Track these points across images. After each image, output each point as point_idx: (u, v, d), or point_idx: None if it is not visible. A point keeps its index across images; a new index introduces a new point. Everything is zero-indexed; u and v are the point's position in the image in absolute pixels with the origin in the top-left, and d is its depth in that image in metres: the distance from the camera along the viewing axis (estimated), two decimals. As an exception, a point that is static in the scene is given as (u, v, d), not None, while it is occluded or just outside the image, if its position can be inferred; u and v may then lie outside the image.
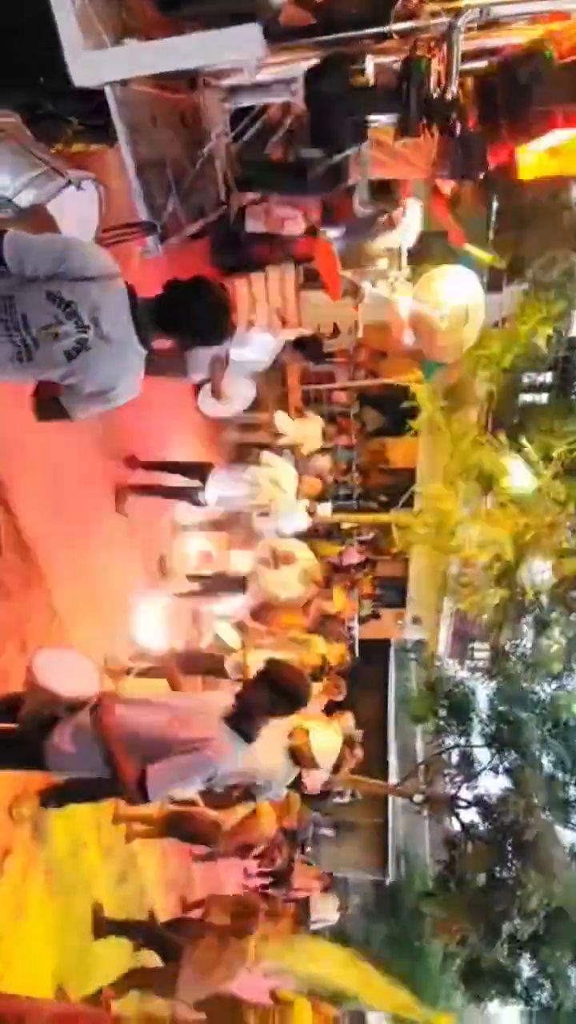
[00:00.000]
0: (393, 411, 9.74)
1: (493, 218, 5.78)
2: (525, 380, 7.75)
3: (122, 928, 3.85)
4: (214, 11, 2.90)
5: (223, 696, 2.27)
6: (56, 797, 3.05)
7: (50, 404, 1.92)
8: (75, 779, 2.67)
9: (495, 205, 5.63)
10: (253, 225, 5.10)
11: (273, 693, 2.10)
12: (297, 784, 4.18)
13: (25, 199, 2.03)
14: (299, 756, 3.13)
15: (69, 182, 2.09)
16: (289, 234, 5.16)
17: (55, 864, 3.44)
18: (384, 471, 10.77)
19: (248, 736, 2.09)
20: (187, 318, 1.85)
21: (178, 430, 5.79)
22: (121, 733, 2.05)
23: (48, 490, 3.72)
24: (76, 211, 2.14)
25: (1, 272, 1.67)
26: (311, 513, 5.55)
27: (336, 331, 7.15)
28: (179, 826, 3.87)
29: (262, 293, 7.37)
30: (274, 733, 2.66)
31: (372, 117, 2.63)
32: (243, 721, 2.09)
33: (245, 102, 3.45)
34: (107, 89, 2.34)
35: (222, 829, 3.92)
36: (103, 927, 3.72)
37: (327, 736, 3.32)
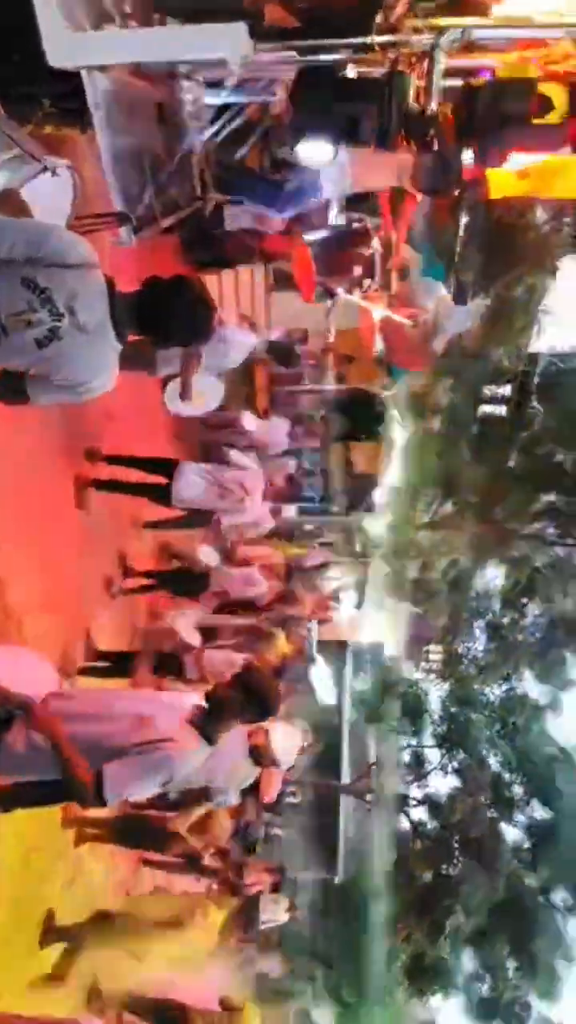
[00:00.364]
0: (359, 416, 9.88)
1: (461, 232, 5.95)
2: (486, 392, 8.00)
3: (69, 935, 3.76)
4: (199, 6, 2.88)
5: (187, 696, 2.24)
6: (3, 801, 2.95)
7: (6, 387, 1.85)
8: (25, 782, 2.59)
9: (464, 220, 5.80)
10: (232, 222, 5.06)
11: (245, 697, 2.08)
12: (254, 791, 4.16)
13: None
14: (260, 755, 3.12)
15: (45, 168, 2.03)
16: (266, 230, 5.14)
17: (4, 870, 3.33)
18: (348, 475, 10.90)
19: (211, 739, 2.08)
20: (167, 317, 1.81)
21: (142, 424, 5.69)
22: (74, 732, 2.00)
23: (6, 483, 3.59)
24: (49, 197, 2.08)
25: None
26: (276, 514, 5.55)
27: (306, 335, 7.19)
28: (130, 830, 3.80)
29: (231, 291, 7.35)
30: (234, 733, 2.65)
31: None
32: (209, 723, 2.07)
33: (224, 100, 3.44)
34: (84, 74, 2.29)
35: (174, 834, 3.87)
36: (52, 935, 3.62)
37: (287, 733, 3.31)
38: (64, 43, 2.14)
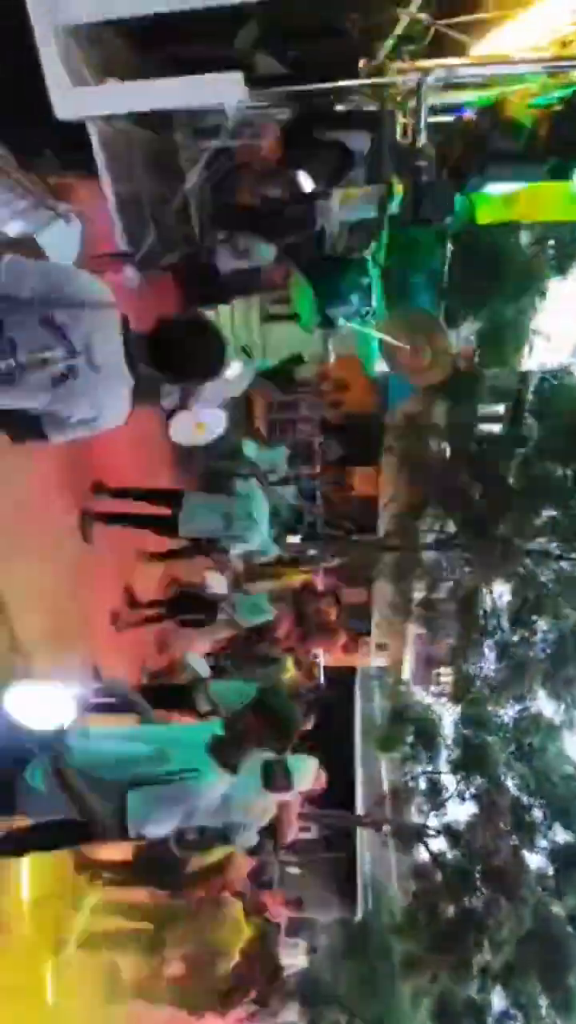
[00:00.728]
0: (356, 440, 9.99)
1: (448, 256, 6.12)
2: (481, 411, 8.11)
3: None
4: (191, 56, 3.04)
5: (206, 726, 2.21)
6: (16, 844, 2.87)
7: (23, 427, 1.88)
8: (41, 824, 2.53)
9: (449, 246, 5.98)
10: (224, 263, 5.21)
11: (265, 723, 2.06)
12: (270, 830, 4.03)
13: (13, 229, 2.03)
14: (274, 779, 3.02)
15: (58, 215, 2.12)
16: (256, 265, 5.29)
17: (14, 919, 3.23)
18: (347, 499, 10.96)
19: (234, 768, 2.04)
20: (183, 356, 1.85)
21: (142, 455, 5.74)
22: (95, 767, 1.97)
23: (10, 517, 3.61)
24: (59, 241, 2.16)
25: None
26: (280, 542, 5.56)
27: (301, 361, 7.32)
28: (150, 869, 3.68)
29: (228, 325, 7.50)
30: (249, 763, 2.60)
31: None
32: (229, 751, 2.04)
33: (216, 143, 3.58)
34: (89, 124, 2.40)
35: (193, 874, 3.75)
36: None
37: (300, 758, 3.23)
38: (71, 97, 2.25)
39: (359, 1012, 12.39)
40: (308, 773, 3.33)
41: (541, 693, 8.05)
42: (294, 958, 8.38)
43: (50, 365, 1.67)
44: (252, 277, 6.20)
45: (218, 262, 5.12)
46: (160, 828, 1.99)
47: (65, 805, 1.94)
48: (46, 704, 2.20)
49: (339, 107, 2.86)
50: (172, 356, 1.85)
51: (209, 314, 6.88)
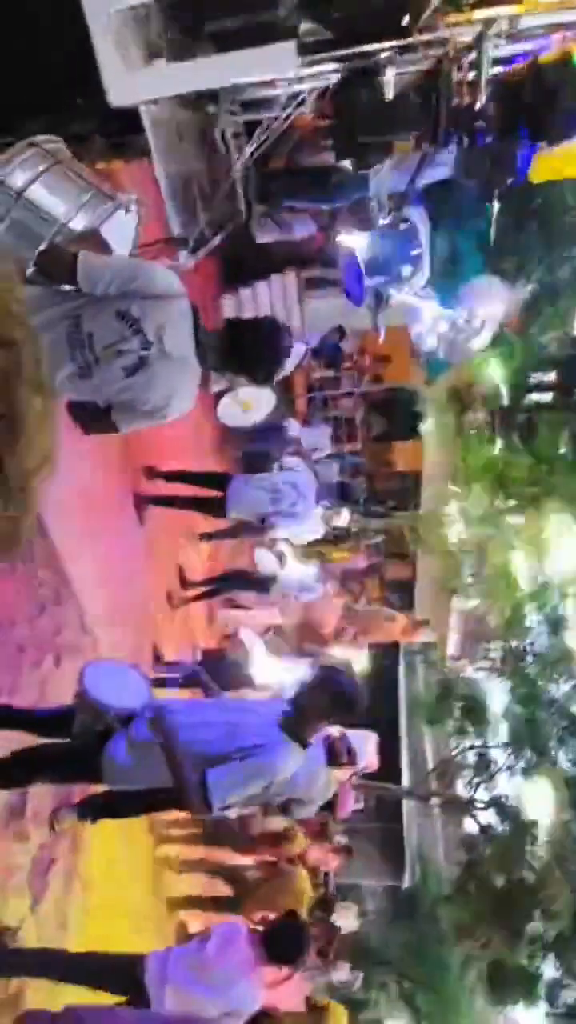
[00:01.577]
0: (399, 415, 9.80)
1: (493, 218, 5.84)
2: (531, 379, 7.80)
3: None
4: (234, 30, 2.96)
5: (275, 702, 2.28)
6: (94, 810, 3.04)
7: (97, 418, 1.94)
8: (121, 793, 2.66)
9: (496, 206, 5.69)
10: (262, 235, 5.15)
11: (331, 698, 2.10)
12: (330, 808, 4.12)
13: (79, 223, 2.06)
14: (335, 752, 3.09)
15: (119, 205, 2.13)
16: (299, 237, 5.20)
17: (91, 879, 3.43)
18: (390, 475, 10.82)
19: (303, 742, 2.10)
20: (251, 357, 1.91)
21: (188, 437, 5.82)
22: (181, 742, 2.05)
23: (72, 503, 3.74)
24: (118, 231, 2.18)
25: (71, 292, 1.70)
26: (329, 520, 5.57)
27: (344, 335, 7.21)
28: (219, 832, 3.83)
29: (266, 301, 7.44)
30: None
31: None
32: (298, 726, 2.10)
33: (259, 115, 3.51)
34: (142, 108, 2.38)
35: (257, 837, 3.88)
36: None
37: (359, 735, 3.28)
38: (125, 82, 2.24)
39: (408, 974, 12.72)
40: (370, 749, 3.38)
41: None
42: (346, 920, 8.64)
43: (124, 356, 1.71)
44: (292, 250, 6.10)
45: (258, 236, 5.07)
46: (242, 800, 2.08)
47: (152, 776, 2.04)
48: (122, 681, 2.30)
49: (388, 68, 2.74)
50: (242, 356, 1.91)
51: (246, 293, 6.85)
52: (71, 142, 2.81)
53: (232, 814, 2.48)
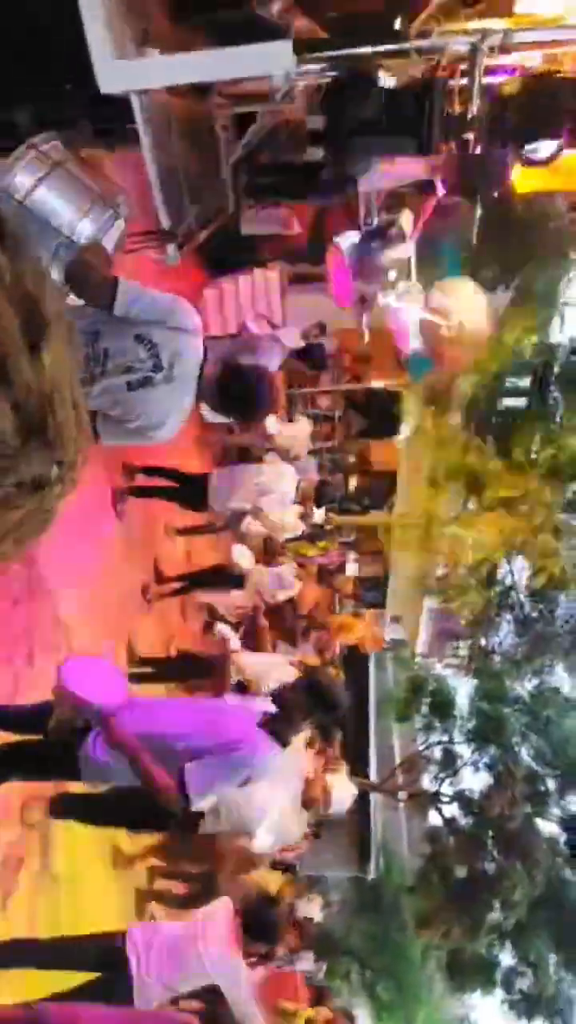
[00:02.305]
0: (376, 414, 9.89)
1: (476, 227, 5.95)
2: (507, 384, 7.98)
3: None
4: (224, 21, 2.93)
5: (256, 701, 2.29)
6: (65, 808, 3.01)
7: None
8: (94, 796, 2.65)
9: (479, 214, 5.79)
10: (248, 228, 5.12)
11: (312, 698, 2.13)
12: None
13: (84, 234, 2.04)
14: (314, 805, 3.02)
15: (115, 212, 2.10)
16: (283, 232, 5.19)
17: (63, 875, 3.41)
18: (367, 473, 10.92)
19: (283, 740, 2.12)
20: (246, 401, 2.09)
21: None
22: (151, 738, 2.05)
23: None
24: (114, 237, 2.16)
25: (99, 311, 1.75)
26: (306, 516, 5.59)
27: (323, 331, 7.23)
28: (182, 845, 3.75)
29: (248, 295, 7.40)
30: (293, 778, 2.67)
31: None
32: (279, 725, 2.12)
33: (248, 110, 3.48)
34: (133, 97, 2.34)
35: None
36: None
37: (344, 785, 3.16)
38: (115, 70, 2.20)
39: (370, 964, 12.98)
40: (349, 796, 3.33)
41: (559, 668, 8.13)
42: (311, 910, 8.75)
43: (131, 372, 1.77)
44: (276, 245, 6.08)
45: (243, 227, 5.03)
46: (220, 793, 2.09)
47: (126, 774, 2.03)
48: (101, 677, 2.29)
49: (383, 72, 2.75)
50: (237, 402, 2.07)
51: (228, 287, 6.80)
52: (59, 127, 2.75)
53: (205, 806, 2.48)
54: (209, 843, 3.94)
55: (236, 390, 2.03)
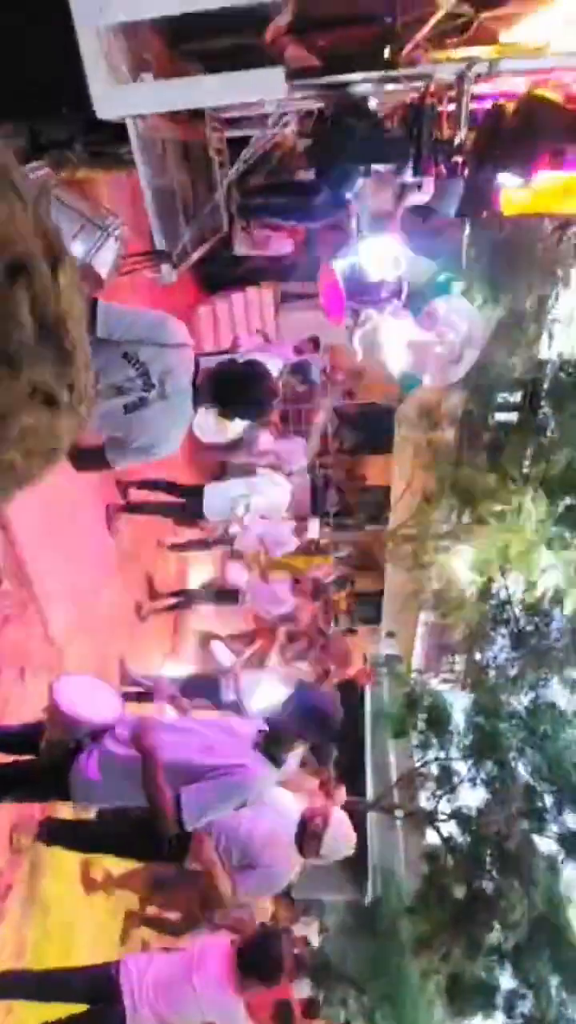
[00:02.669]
0: (370, 430, 9.96)
1: (465, 246, 6.07)
2: (498, 399, 8.07)
3: None
4: (217, 48, 3.01)
5: (249, 722, 2.27)
6: (53, 833, 2.94)
7: (91, 454, 2.00)
8: (87, 822, 2.60)
9: (467, 233, 5.92)
10: (240, 248, 5.20)
11: (306, 719, 2.11)
12: None
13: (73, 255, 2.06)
14: (307, 845, 2.86)
15: (107, 233, 2.14)
16: (275, 253, 5.28)
17: (52, 901, 3.32)
18: (360, 488, 10.95)
19: (277, 761, 2.10)
20: (242, 399, 2.07)
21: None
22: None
23: (41, 514, 3.66)
24: (105, 256, 2.19)
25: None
26: (300, 532, 5.60)
27: (316, 346, 7.32)
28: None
29: (241, 312, 7.48)
30: (287, 821, 2.59)
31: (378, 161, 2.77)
32: (273, 745, 2.09)
33: (243, 133, 3.55)
34: (128, 121, 2.39)
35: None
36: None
37: (344, 833, 2.97)
38: (112, 96, 2.25)
39: (367, 989, 12.68)
40: (346, 844, 3.22)
41: (554, 682, 8.10)
42: (307, 935, 8.55)
43: (125, 395, 1.78)
44: (269, 263, 6.18)
45: (236, 247, 5.12)
46: (215, 818, 2.06)
47: (123, 793, 2.00)
48: (93, 696, 2.26)
49: (373, 99, 2.83)
50: (234, 399, 2.05)
51: (222, 305, 6.86)
52: (53, 148, 2.79)
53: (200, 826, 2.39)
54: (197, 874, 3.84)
55: (236, 386, 2.02)
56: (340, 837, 2.66)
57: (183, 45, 3.01)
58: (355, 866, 13.27)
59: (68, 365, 0.51)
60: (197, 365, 1.99)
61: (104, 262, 2.15)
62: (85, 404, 0.53)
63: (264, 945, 2.46)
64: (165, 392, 1.89)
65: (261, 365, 2.11)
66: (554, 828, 8.62)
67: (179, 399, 1.94)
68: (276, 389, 2.20)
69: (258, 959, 2.41)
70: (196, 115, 3.09)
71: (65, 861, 3.43)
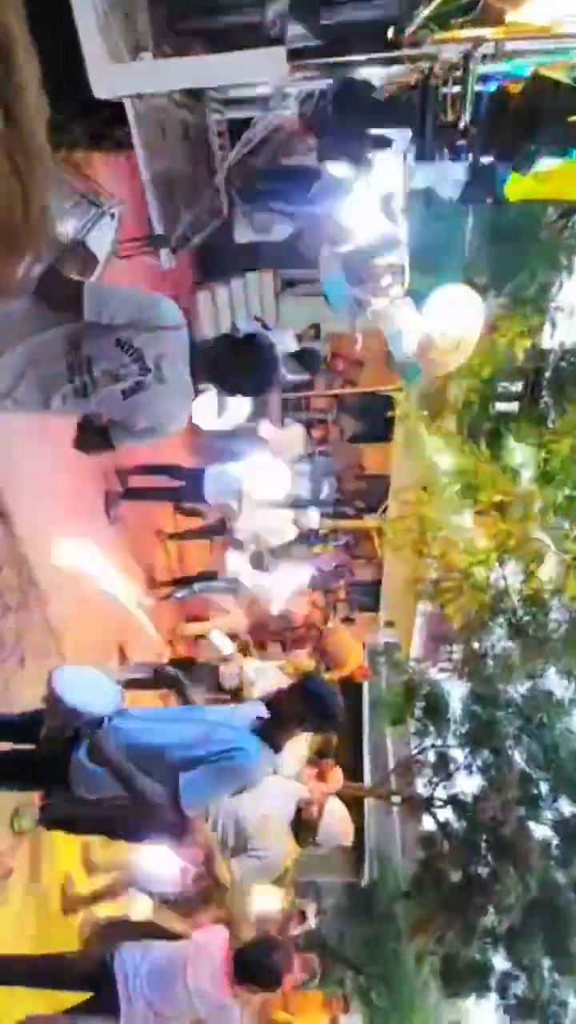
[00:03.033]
0: (370, 418, 9.91)
1: (468, 235, 5.99)
2: (499, 389, 8.01)
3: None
4: (219, 26, 2.93)
5: (248, 707, 2.27)
6: (53, 817, 2.96)
7: (94, 436, 1.98)
8: (83, 804, 2.60)
9: (470, 221, 5.84)
10: (241, 235, 5.13)
11: (307, 704, 2.11)
12: None
13: (64, 230, 2.03)
14: (304, 831, 2.85)
15: (104, 212, 2.10)
16: (277, 238, 5.21)
17: (52, 886, 3.36)
18: (360, 477, 10.93)
19: (277, 746, 2.11)
20: (239, 374, 1.97)
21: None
22: (145, 747, 2.03)
23: (40, 502, 3.65)
24: (101, 235, 2.15)
25: (74, 318, 1.72)
26: (301, 520, 5.59)
27: (318, 333, 7.26)
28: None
29: (241, 297, 7.40)
30: (286, 800, 2.58)
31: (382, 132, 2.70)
32: (272, 731, 2.10)
33: (242, 115, 3.48)
34: (127, 102, 2.34)
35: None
36: None
37: (341, 818, 2.98)
38: (109, 75, 2.19)
39: (364, 970, 12.91)
40: (343, 831, 3.25)
41: (551, 671, 8.14)
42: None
43: (122, 380, 1.75)
44: (270, 249, 6.10)
45: (236, 235, 5.05)
46: (215, 803, 2.07)
47: (117, 784, 2.01)
48: (93, 685, 2.26)
49: (376, 80, 2.76)
50: (230, 373, 1.97)
51: (222, 290, 6.80)
52: (50, 130, 2.73)
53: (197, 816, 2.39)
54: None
55: (235, 360, 1.94)
56: (336, 826, 2.67)
57: (183, 23, 2.93)
58: (352, 850, 13.47)
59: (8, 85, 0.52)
60: (194, 345, 1.92)
61: (101, 243, 2.11)
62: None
63: (263, 955, 2.43)
64: (163, 375, 1.84)
65: (263, 336, 2.03)
66: (548, 815, 8.72)
67: (178, 381, 1.89)
68: (277, 363, 2.06)
69: (256, 969, 2.39)
70: (196, 96, 3.03)
71: (66, 845, 3.47)
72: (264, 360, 1.98)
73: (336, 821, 2.81)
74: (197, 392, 2.00)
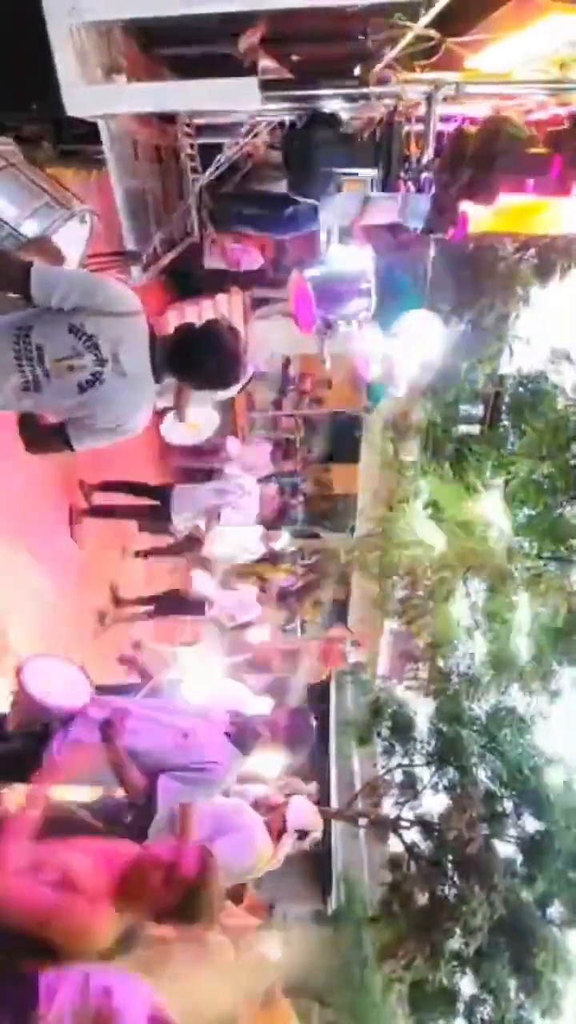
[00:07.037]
0: (338, 438, 10.07)
1: (429, 266, 6.23)
2: (462, 412, 8.28)
3: None
4: (192, 54, 3.03)
5: (222, 710, 2.28)
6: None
7: (46, 435, 1.88)
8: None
9: (432, 253, 6.08)
10: (211, 261, 5.21)
11: (288, 723, 2.14)
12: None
13: (29, 229, 2.01)
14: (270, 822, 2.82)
15: (73, 214, 2.10)
16: (246, 269, 5.32)
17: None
18: (327, 496, 11.05)
19: (247, 751, 2.13)
20: (200, 365, 1.86)
21: (130, 452, 5.70)
22: (131, 747, 2.02)
23: (1, 517, 3.56)
24: (70, 240, 2.14)
25: (22, 303, 1.64)
26: (270, 540, 5.60)
27: (288, 362, 7.37)
28: None
29: (210, 316, 7.45)
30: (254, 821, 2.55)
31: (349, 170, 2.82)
32: (243, 736, 2.12)
33: (214, 140, 3.58)
34: (100, 122, 2.37)
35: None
36: None
37: (305, 809, 2.98)
38: (83, 94, 2.23)
39: (330, 1002, 12.58)
40: (310, 820, 3.22)
41: (514, 688, 8.28)
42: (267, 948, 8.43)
43: (77, 372, 1.67)
44: (237, 275, 6.22)
45: (206, 261, 5.13)
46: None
47: (91, 780, 1.98)
48: (62, 680, 2.21)
49: (343, 114, 2.89)
50: (192, 364, 1.86)
51: (191, 309, 6.87)
52: (21, 144, 2.75)
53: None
54: None
55: (197, 349, 1.81)
56: (302, 812, 2.67)
57: (157, 49, 3.01)
58: (319, 876, 13.21)
59: None
60: (153, 335, 1.80)
61: (69, 241, 2.07)
62: None
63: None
64: (121, 367, 1.73)
65: (227, 323, 1.92)
66: (512, 832, 8.78)
67: (138, 373, 1.78)
68: (242, 352, 1.90)
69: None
70: (168, 119, 3.10)
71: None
72: (227, 342, 1.85)
73: (302, 811, 2.80)
74: (160, 385, 1.86)
